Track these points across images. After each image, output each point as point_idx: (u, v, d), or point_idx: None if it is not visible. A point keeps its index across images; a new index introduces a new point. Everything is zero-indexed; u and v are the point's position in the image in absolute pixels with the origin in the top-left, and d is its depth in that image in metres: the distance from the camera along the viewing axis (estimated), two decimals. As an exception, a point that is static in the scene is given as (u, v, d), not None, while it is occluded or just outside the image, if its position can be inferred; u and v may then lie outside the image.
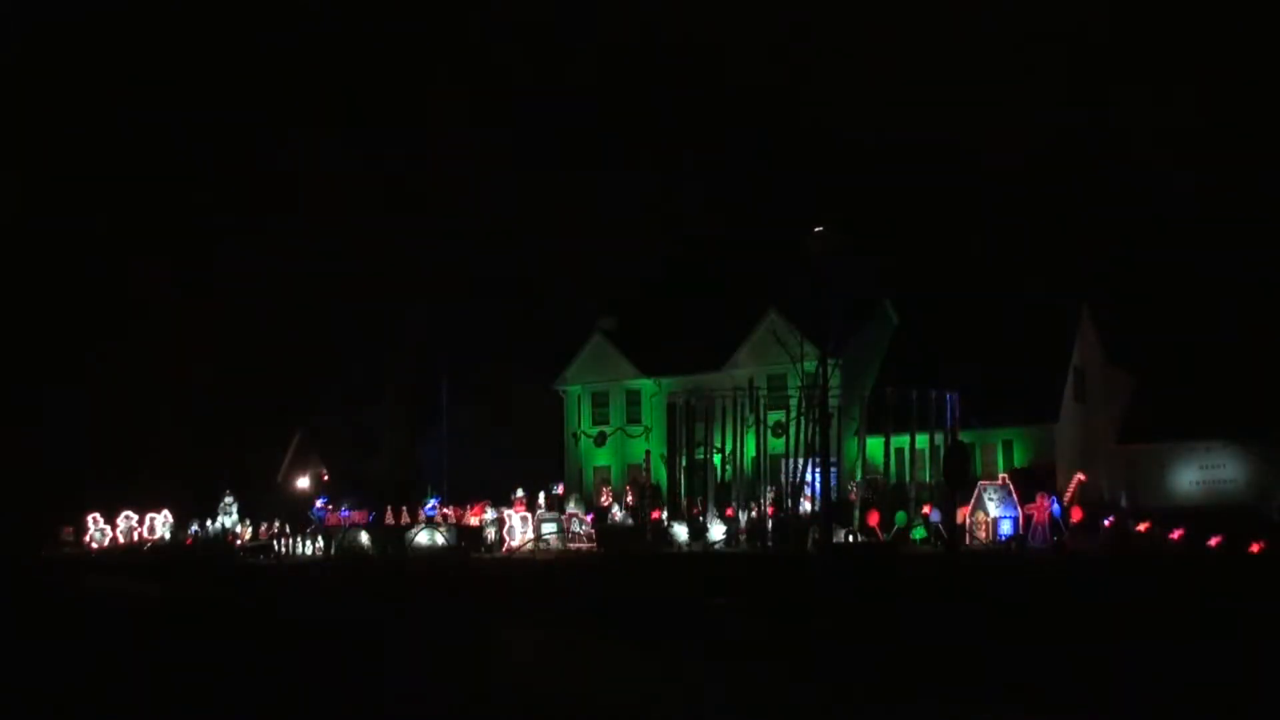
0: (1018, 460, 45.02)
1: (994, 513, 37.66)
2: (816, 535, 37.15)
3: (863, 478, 42.59)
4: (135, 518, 52.61)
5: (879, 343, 51.39)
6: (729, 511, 41.60)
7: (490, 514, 43.92)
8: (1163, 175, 61.06)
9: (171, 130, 78.63)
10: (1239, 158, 60.77)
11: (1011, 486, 38.62)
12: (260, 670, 20.63)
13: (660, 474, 47.41)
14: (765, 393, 45.15)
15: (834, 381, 39.91)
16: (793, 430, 41.93)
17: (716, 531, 40.39)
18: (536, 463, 52.00)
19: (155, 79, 79.47)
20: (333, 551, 44.01)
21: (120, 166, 74.33)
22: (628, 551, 39.07)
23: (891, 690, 17.31)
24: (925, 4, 79.08)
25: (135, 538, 52.02)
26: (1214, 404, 45.93)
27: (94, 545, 52.03)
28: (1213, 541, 34.35)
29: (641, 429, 52.30)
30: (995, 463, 45.29)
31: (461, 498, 47.41)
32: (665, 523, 41.95)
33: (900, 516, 39.87)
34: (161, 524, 52.21)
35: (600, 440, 53.10)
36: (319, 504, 49.11)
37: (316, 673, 20.30)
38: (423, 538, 42.71)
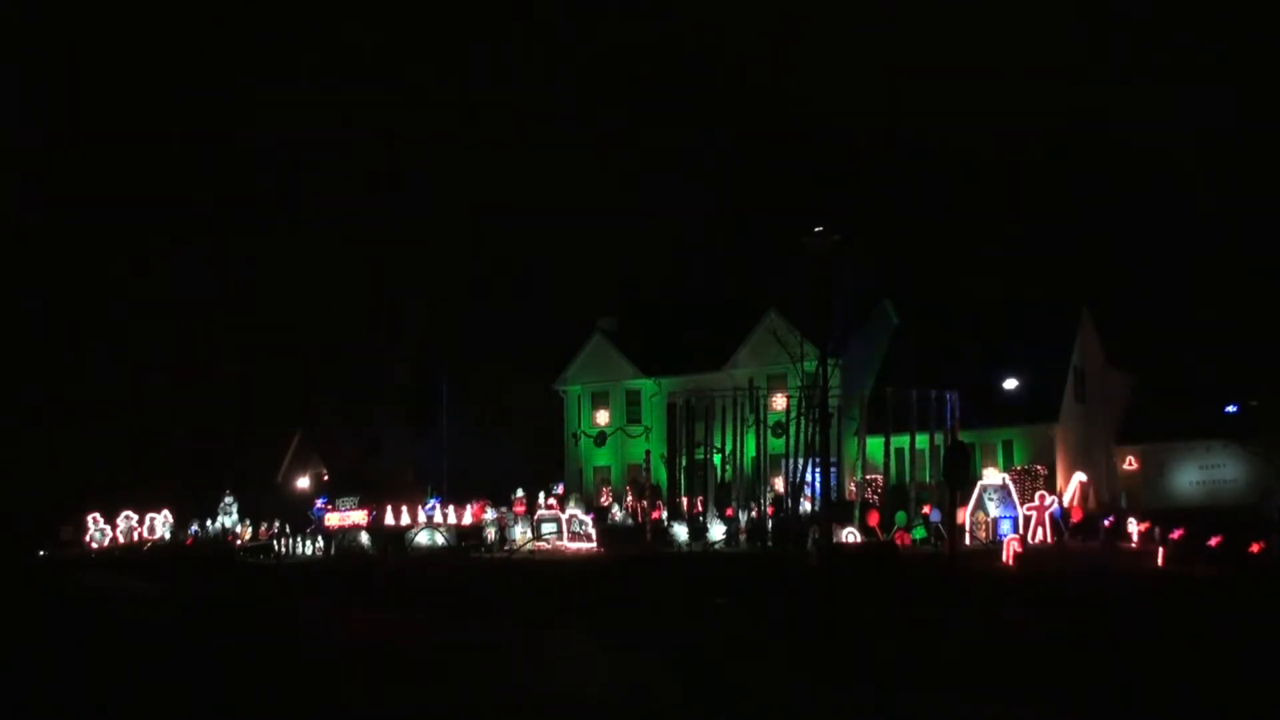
0: (1018, 460, 45.02)
1: (994, 513, 37.64)
2: (816, 535, 37.15)
3: (863, 477, 42.55)
4: (135, 518, 52.62)
5: (879, 343, 51.37)
6: (729, 511, 41.58)
7: (490, 514, 43.92)
8: (1163, 175, 61.09)
9: (170, 128, 78.65)
10: (1238, 157, 60.78)
11: (1012, 486, 38.62)
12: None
13: (660, 474, 47.39)
14: (765, 393, 45.14)
15: (834, 381, 39.90)
16: (793, 430, 41.93)
17: (716, 531, 40.37)
18: (536, 463, 51.99)
19: (152, 74, 79.49)
20: (333, 551, 43.99)
21: (119, 165, 74.36)
22: (627, 551, 39.06)
23: (891, 689, 17.31)
24: (926, 5, 79.14)
25: (135, 538, 52.03)
26: (1214, 404, 45.93)
27: (94, 545, 52.03)
28: (1213, 541, 34.32)
29: (641, 429, 52.27)
30: (995, 463, 45.29)
31: (461, 498, 47.40)
32: (665, 523, 41.92)
33: (900, 516, 39.87)
34: (161, 524, 52.21)
35: (600, 440, 53.07)
36: (319, 504, 49.11)
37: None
38: (423, 538, 42.71)
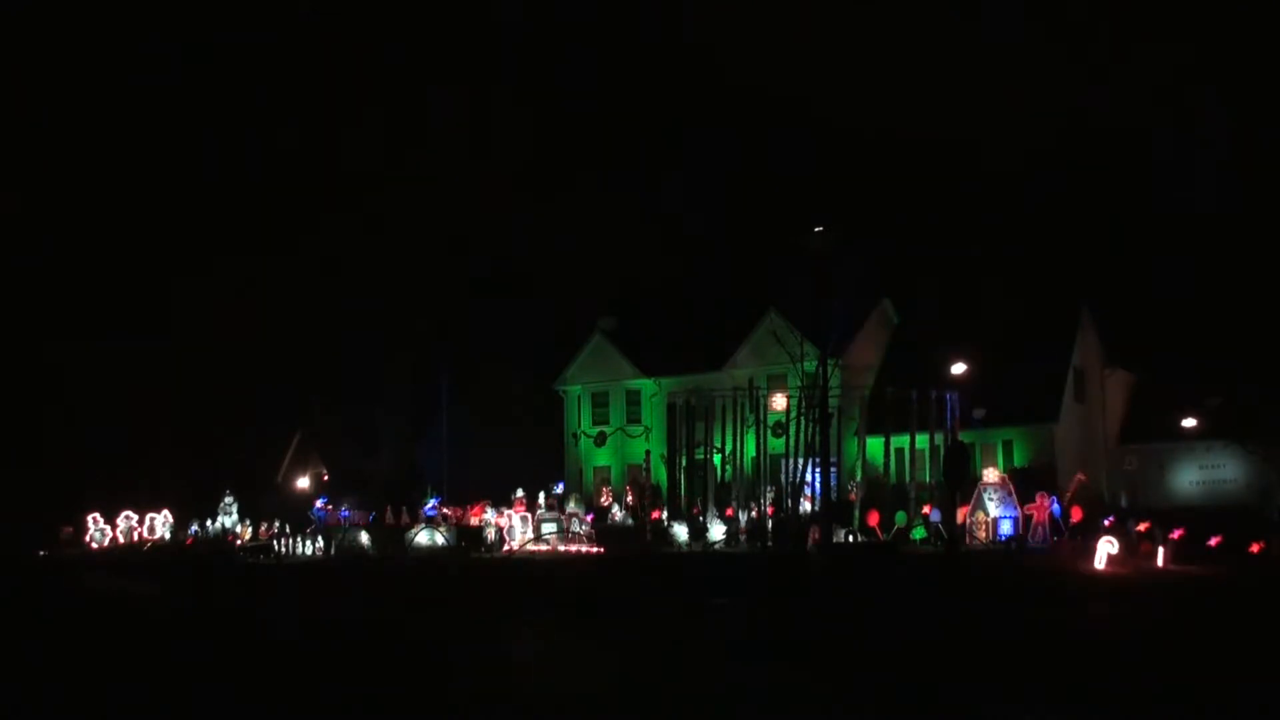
0: (1018, 460, 45.01)
1: (994, 513, 37.64)
2: (817, 535, 37.17)
3: (862, 477, 42.56)
4: (135, 518, 52.56)
5: (879, 343, 51.36)
6: (729, 511, 41.58)
7: (490, 514, 43.92)
8: (1162, 174, 61.07)
9: (170, 129, 78.64)
10: (1237, 156, 60.77)
11: (1011, 486, 38.62)
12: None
13: (660, 474, 47.37)
14: (765, 393, 45.12)
15: (834, 381, 39.91)
16: (793, 430, 41.93)
17: (716, 531, 40.38)
18: (536, 463, 51.97)
19: (152, 70, 79.50)
20: (333, 551, 44.01)
21: (120, 164, 74.34)
22: (627, 551, 39.07)
23: (890, 690, 17.33)
24: (927, 3, 79.15)
25: (135, 538, 51.98)
26: (1214, 404, 45.92)
27: (94, 545, 52.00)
28: (1213, 541, 34.36)
29: (641, 429, 52.25)
30: (995, 463, 45.25)
31: (461, 498, 47.37)
32: (665, 523, 41.92)
33: (900, 516, 39.87)
34: (161, 524, 52.16)
35: (600, 440, 53.06)
36: (319, 504, 49.10)
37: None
38: (423, 538, 42.70)
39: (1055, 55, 76.77)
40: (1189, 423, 46.32)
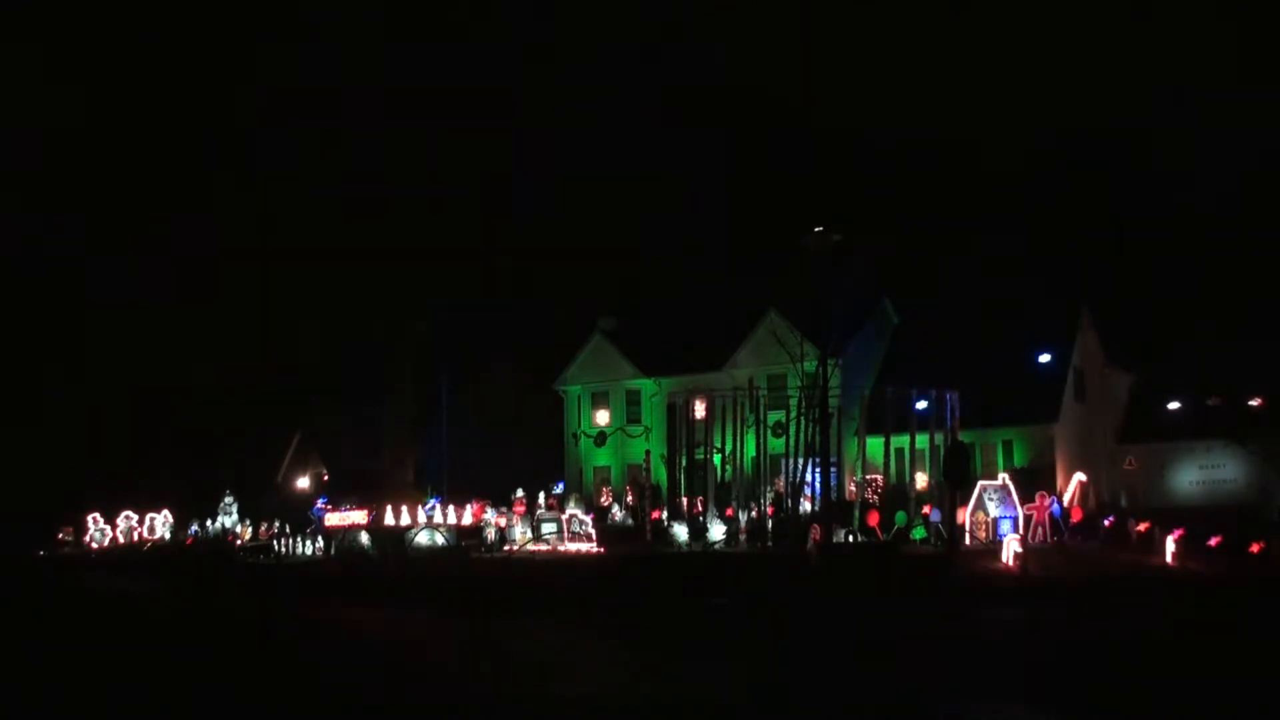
0: (1018, 460, 45.00)
1: (994, 513, 37.65)
2: (817, 535, 37.17)
3: (861, 479, 42.57)
4: (135, 518, 52.62)
5: (879, 343, 51.37)
6: (729, 511, 41.57)
7: (490, 514, 43.93)
8: (1163, 175, 61.09)
9: (168, 123, 78.71)
10: (1237, 157, 60.84)
11: (1011, 486, 38.62)
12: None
13: (660, 474, 47.37)
14: (765, 393, 45.10)
15: (834, 381, 39.90)
16: (793, 430, 41.92)
17: (716, 531, 40.37)
18: (536, 463, 51.95)
19: (152, 66, 79.55)
20: (333, 552, 44.01)
21: (117, 164, 74.42)
22: (627, 551, 39.07)
23: (889, 690, 17.33)
24: (927, 4, 79.19)
25: (135, 538, 52.04)
26: (1214, 404, 45.89)
27: (94, 545, 52.05)
28: (1213, 541, 34.37)
29: (641, 429, 52.23)
30: (995, 463, 45.24)
31: (461, 498, 47.38)
32: (665, 523, 41.91)
33: (900, 516, 39.87)
34: (161, 524, 52.22)
35: (600, 440, 53.04)
36: (319, 504, 49.12)
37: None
38: (423, 538, 42.72)
39: (1056, 55, 76.83)
40: (1189, 423, 46.28)
